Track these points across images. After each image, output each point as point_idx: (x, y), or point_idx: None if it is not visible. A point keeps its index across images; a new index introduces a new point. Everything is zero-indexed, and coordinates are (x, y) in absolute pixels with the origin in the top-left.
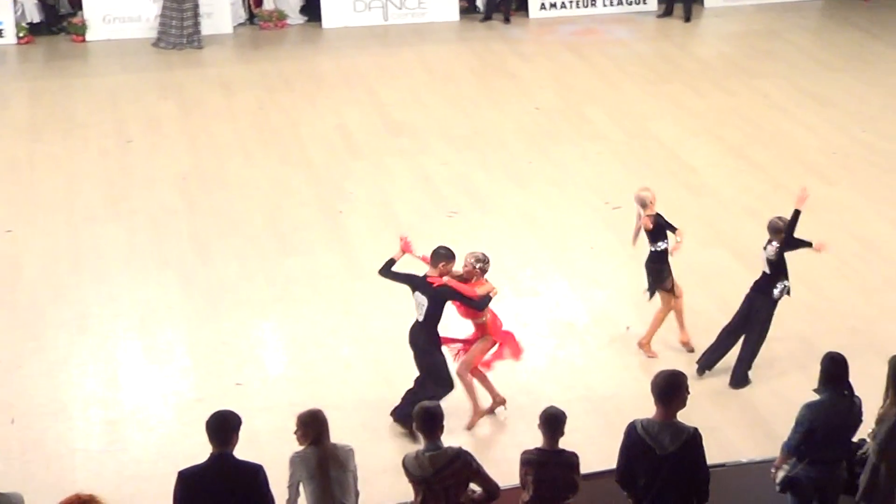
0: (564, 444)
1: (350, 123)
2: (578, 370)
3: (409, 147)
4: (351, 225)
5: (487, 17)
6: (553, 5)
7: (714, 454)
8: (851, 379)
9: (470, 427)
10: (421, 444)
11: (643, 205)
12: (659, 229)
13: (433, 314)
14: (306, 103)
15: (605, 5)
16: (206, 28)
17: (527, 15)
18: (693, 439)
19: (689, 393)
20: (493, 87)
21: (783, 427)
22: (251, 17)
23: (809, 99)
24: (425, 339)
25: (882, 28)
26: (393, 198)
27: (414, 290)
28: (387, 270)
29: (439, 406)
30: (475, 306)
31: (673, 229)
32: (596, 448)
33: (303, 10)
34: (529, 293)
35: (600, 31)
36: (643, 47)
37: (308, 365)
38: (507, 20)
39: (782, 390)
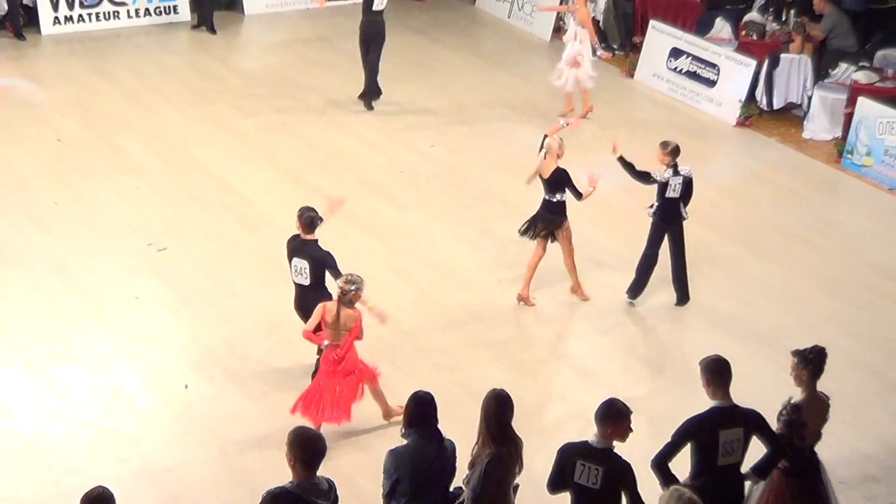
0: None
1: None
2: (131, 440)
3: None
4: None
5: None
6: (69, 19)
7: None
8: (444, 422)
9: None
10: None
11: (548, 149)
12: (558, 182)
13: None
14: None
15: (130, 17)
16: None
17: (39, 32)
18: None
19: None
20: (2, 119)
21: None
22: None
23: (368, 113)
24: None
25: (441, 31)
26: None
27: None
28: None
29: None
30: None
31: (578, 194)
32: None
33: None
34: (66, 356)
35: (126, 46)
36: (179, 63)
37: None
38: (18, 36)
39: (367, 443)
